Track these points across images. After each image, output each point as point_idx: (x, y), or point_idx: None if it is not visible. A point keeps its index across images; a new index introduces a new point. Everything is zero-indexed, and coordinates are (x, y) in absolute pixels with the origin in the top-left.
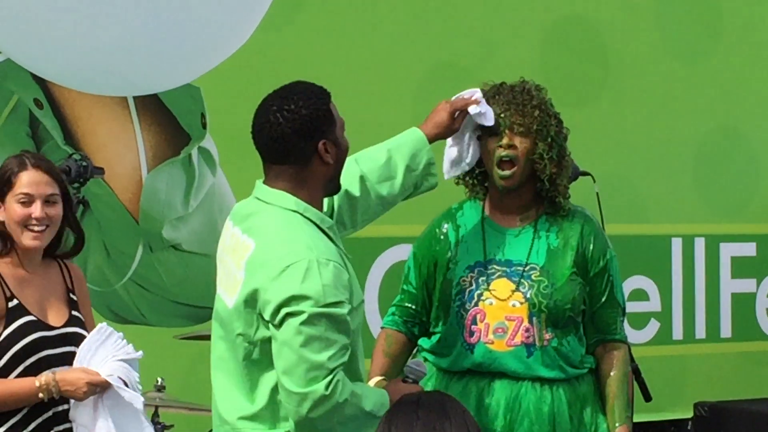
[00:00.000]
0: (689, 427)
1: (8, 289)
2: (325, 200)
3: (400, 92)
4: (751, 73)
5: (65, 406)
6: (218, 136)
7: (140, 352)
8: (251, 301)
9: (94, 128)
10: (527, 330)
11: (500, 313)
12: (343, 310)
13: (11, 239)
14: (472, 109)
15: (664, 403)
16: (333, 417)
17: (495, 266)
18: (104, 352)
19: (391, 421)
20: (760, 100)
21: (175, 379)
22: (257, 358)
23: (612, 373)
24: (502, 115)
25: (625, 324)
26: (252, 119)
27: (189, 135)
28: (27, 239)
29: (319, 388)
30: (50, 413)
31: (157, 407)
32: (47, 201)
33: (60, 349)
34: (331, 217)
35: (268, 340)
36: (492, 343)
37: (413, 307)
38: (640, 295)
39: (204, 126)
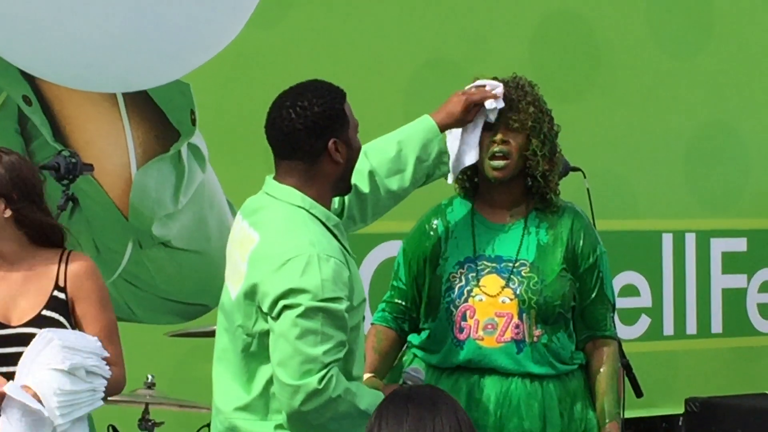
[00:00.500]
0: (680, 423)
1: None
2: None
3: (391, 89)
4: (742, 68)
5: None
6: (208, 133)
7: (76, 361)
8: (251, 293)
9: (83, 125)
10: (517, 326)
11: (490, 309)
12: (341, 306)
13: None
14: (489, 104)
15: (655, 399)
16: (325, 412)
17: (485, 262)
18: (41, 360)
19: (382, 415)
20: (750, 96)
21: (165, 377)
22: (255, 351)
23: (602, 370)
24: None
25: (616, 319)
26: (266, 114)
27: (178, 131)
28: None
29: (312, 381)
30: None
31: (147, 404)
32: None
33: (9, 348)
34: (341, 212)
35: (266, 333)
36: (482, 339)
37: (403, 303)
38: (630, 290)
39: (193, 122)
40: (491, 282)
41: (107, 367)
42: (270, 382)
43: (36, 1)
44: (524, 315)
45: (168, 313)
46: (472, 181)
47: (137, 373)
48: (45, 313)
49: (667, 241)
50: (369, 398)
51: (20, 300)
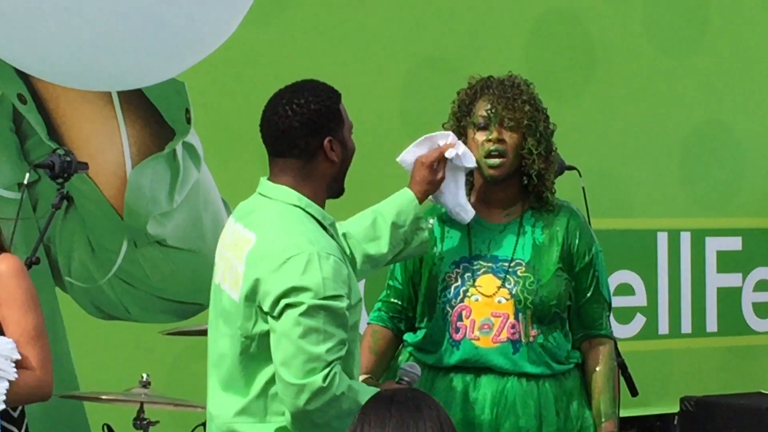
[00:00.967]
0: (675, 422)
1: None
2: None
3: (386, 87)
4: (738, 67)
5: None
6: (203, 131)
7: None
8: (251, 293)
9: (78, 123)
10: (513, 326)
11: (486, 309)
12: (342, 303)
13: None
14: (450, 153)
15: (650, 398)
16: (330, 410)
17: (480, 262)
18: None
19: (365, 417)
20: (746, 95)
21: (160, 375)
22: (254, 352)
23: (598, 369)
24: (492, 110)
25: (611, 319)
26: (261, 113)
27: (173, 130)
28: None
29: (317, 379)
30: None
31: (142, 403)
32: None
33: None
34: None
35: (266, 334)
36: (478, 339)
37: (399, 302)
38: (625, 289)
39: (188, 121)
40: (487, 282)
41: (14, 370)
42: (269, 383)
43: None
44: (520, 315)
45: (163, 311)
46: (467, 181)
47: (132, 372)
48: None
49: (662, 240)
50: (369, 395)
51: None
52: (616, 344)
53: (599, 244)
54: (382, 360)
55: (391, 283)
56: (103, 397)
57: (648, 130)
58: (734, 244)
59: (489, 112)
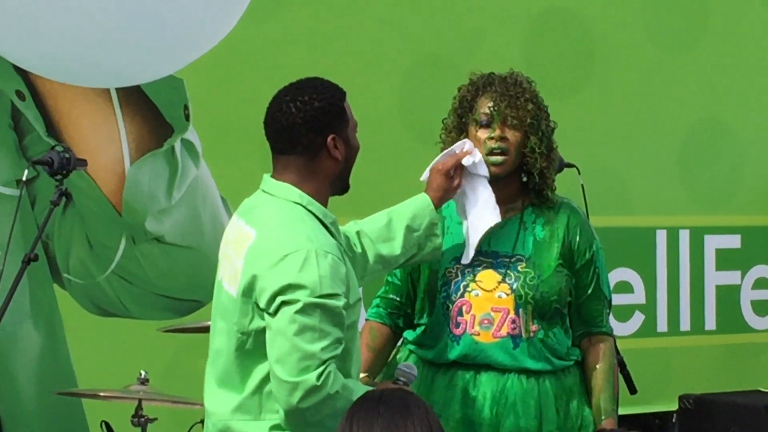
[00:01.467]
0: (674, 420)
1: None
2: None
3: (385, 85)
4: (737, 64)
5: None
6: (201, 128)
7: None
8: (249, 289)
9: (76, 120)
10: (513, 321)
11: (486, 304)
12: (339, 302)
13: None
14: (466, 161)
15: (648, 396)
16: (323, 408)
17: (481, 257)
18: None
19: (353, 417)
20: (745, 92)
21: (158, 372)
22: (250, 349)
23: (598, 366)
24: (495, 107)
25: (610, 316)
26: (260, 110)
27: (172, 127)
28: None
29: (311, 378)
30: None
31: (140, 400)
32: None
33: None
34: None
35: (262, 331)
36: (478, 334)
37: (398, 298)
38: (624, 287)
39: (187, 118)
40: (487, 277)
41: None
42: (264, 380)
43: None
44: (521, 310)
45: (161, 308)
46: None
47: (130, 369)
48: None
49: (661, 237)
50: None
51: None
52: (615, 342)
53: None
54: (379, 357)
55: (389, 279)
56: (102, 394)
57: (647, 127)
58: (733, 241)
59: (492, 109)
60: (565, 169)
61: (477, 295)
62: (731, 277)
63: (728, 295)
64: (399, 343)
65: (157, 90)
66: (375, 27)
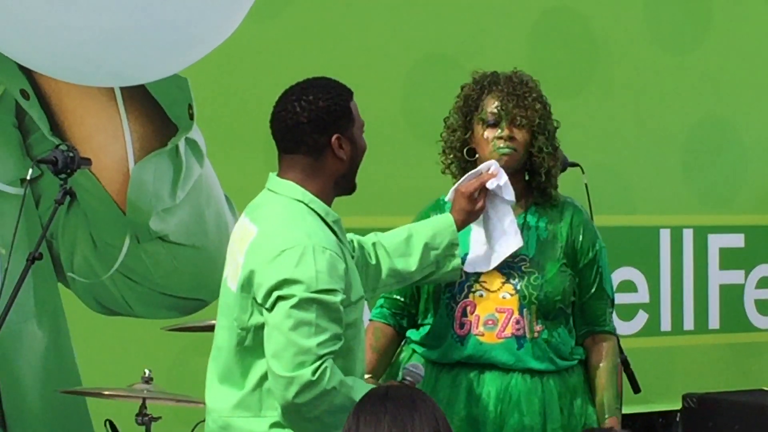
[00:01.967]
0: (678, 419)
1: None
2: None
3: (389, 83)
4: (741, 63)
5: None
6: (205, 127)
7: None
8: (247, 284)
9: (80, 119)
10: (518, 322)
11: (491, 304)
12: (336, 298)
13: None
14: (491, 184)
15: (652, 395)
16: (320, 404)
17: None
18: None
19: (360, 413)
20: (749, 91)
21: (162, 371)
22: (249, 345)
23: (601, 365)
24: (503, 107)
25: (614, 315)
26: (264, 109)
27: (176, 126)
28: None
29: (306, 373)
30: None
31: (144, 399)
32: None
33: None
34: None
35: (261, 327)
36: (482, 335)
37: (402, 299)
38: (628, 286)
39: (191, 117)
40: (491, 277)
41: None
42: (264, 377)
43: None
44: (525, 310)
45: (165, 307)
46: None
47: (134, 368)
48: None
49: (665, 236)
50: (364, 392)
51: None
52: (618, 341)
53: (602, 241)
54: (383, 358)
55: None
56: (106, 392)
57: (650, 126)
58: (737, 241)
59: (499, 109)
60: (569, 168)
61: (481, 295)
62: (735, 276)
63: (732, 294)
64: (402, 344)
65: (162, 89)
66: (379, 26)
